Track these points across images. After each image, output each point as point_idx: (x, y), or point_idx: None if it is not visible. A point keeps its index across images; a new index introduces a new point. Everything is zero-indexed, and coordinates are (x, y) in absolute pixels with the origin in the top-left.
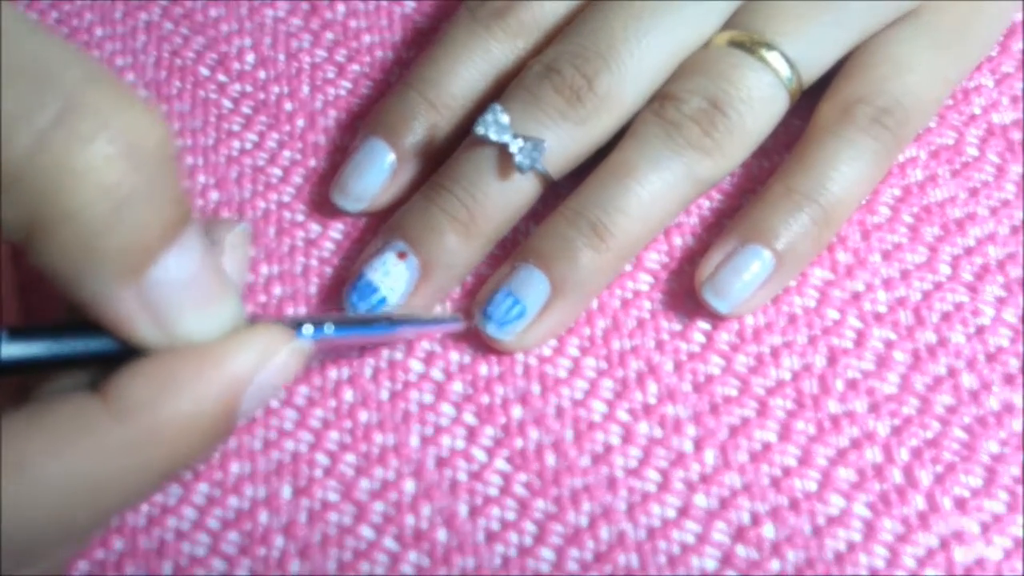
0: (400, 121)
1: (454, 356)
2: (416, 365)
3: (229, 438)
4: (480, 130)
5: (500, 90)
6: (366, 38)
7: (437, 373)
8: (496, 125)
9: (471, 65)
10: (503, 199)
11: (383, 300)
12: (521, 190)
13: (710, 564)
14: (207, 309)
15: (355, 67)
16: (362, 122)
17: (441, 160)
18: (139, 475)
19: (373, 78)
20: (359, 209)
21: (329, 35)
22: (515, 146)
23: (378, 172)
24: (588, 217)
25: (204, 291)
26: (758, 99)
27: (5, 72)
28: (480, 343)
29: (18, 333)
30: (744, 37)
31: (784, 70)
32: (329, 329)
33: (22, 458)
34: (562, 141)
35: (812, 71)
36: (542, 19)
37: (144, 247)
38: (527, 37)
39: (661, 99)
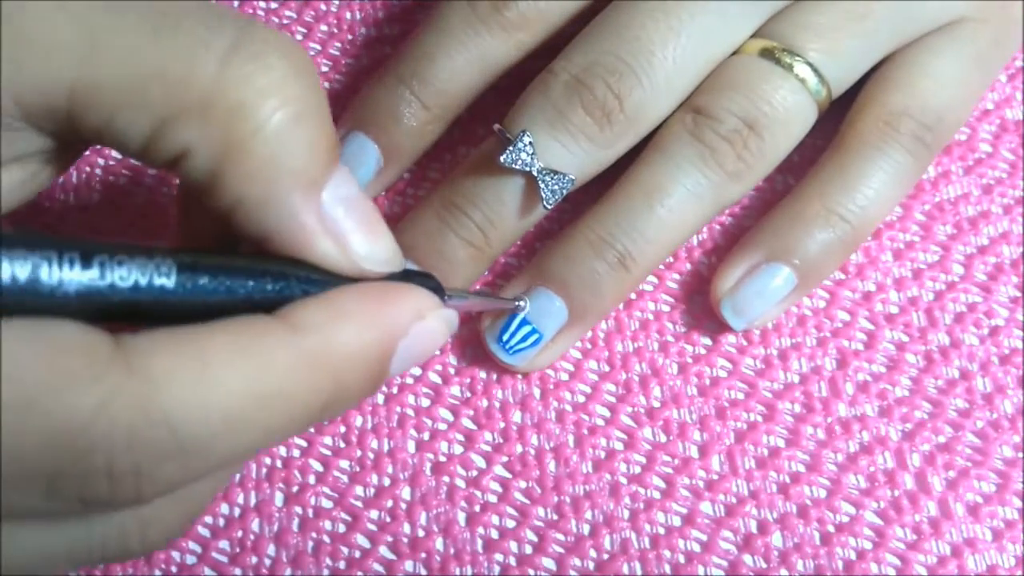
0: (388, 117)
1: (451, 359)
2: (412, 368)
3: (378, 390)
4: (507, 160)
5: (494, 83)
6: (361, 31)
7: (434, 376)
8: (523, 156)
9: (466, 61)
10: (519, 224)
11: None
12: (537, 214)
13: (716, 573)
14: (371, 234)
15: (349, 60)
16: (348, 111)
17: (429, 157)
18: (304, 398)
19: (368, 72)
20: None
21: (323, 28)
22: (543, 181)
23: (365, 170)
24: (614, 246)
25: (367, 216)
26: (792, 118)
27: (182, 11)
28: (478, 346)
29: (187, 267)
30: (775, 47)
31: (814, 83)
32: (467, 298)
33: (204, 357)
34: (585, 163)
35: (842, 83)
36: (546, 14)
37: (320, 160)
38: (528, 31)
39: (694, 113)
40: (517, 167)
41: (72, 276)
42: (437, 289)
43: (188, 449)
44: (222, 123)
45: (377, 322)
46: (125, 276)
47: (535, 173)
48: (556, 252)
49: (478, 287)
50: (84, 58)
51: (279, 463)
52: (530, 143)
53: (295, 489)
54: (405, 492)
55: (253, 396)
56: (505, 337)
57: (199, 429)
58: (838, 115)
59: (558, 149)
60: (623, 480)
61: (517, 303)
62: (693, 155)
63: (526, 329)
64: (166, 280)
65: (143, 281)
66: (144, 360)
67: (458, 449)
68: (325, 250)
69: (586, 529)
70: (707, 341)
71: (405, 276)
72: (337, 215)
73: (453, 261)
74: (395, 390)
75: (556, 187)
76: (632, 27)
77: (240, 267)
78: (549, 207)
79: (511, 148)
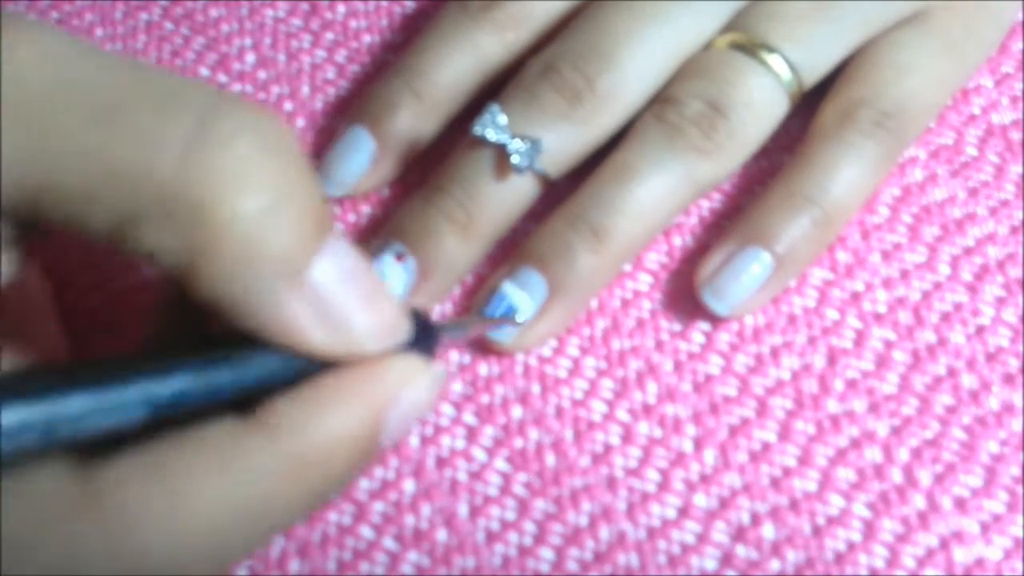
0: (383, 109)
1: (454, 356)
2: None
3: (373, 463)
4: (478, 130)
5: (487, 83)
6: (366, 38)
7: None
8: (494, 125)
9: (458, 57)
10: (501, 200)
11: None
12: (519, 191)
13: (710, 564)
14: (372, 306)
15: (355, 67)
16: (349, 108)
17: (425, 150)
18: (291, 500)
19: (373, 78)
20: (341, 194)
21: (329, 35)
22: (512, 146)
23: (360, 159)
24: (588, 219)
25: (365, 287)
26: (758, 102)
27: (136, 97)
28: (479, 343)
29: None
30: (745, 40)
31: (785, 73)
32: (463, 328)
33: (178, 482)
34: (561, 141)
35: (813, 74)
36: (534, 14)
37: (303, 243)
38: (517, 31)
39: (662, 101)
40: (487, 137)
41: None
42: (429, 331)
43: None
44: (186, 224)
45: (362, 403)
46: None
47: (505, 141)
48: (536, 233)
49: (461, 318)
50: (34, 161)
51: None
52: (500, 113)
53: None
54: (409, 485)
55: (234, 511)
56: (488, 312)
57: (182, 555)
58: None
59: (534, 128)
60: (620, 474)
61: (514, 317)
62: (660, 136)
63: (507, 304)
64: (136, 417)
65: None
66: (114, 494)
67: (460, 444)
68: (319, 339)
69: (585, 521)
70: (701, 339)
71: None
72: (331, 295)
73: (439, 240)
74: None
75: (525, 149)
76: (601, 20)
77: (215, 365)
78: (522, 171)
79: (481, 119)
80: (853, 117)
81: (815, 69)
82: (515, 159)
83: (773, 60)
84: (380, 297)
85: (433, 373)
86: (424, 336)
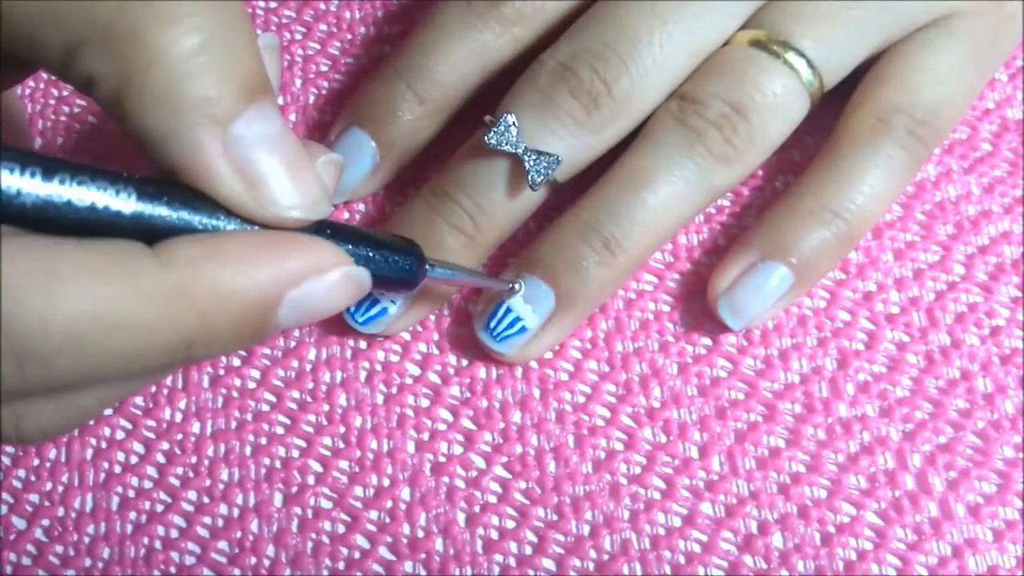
0: (385, 112)
1: (451, 359)
2: (412, 368)
3: (257, 344)
4: (493, 141)
5: (492, 81)
6: (360, 30)
7: (433, 376)
8: (508, 136)
9: (463, 56)
10: (509, 209)
11: (384, 311)
12: (528, 199)
13: (717, 574)
14: (291, 175)
15: (349, 60)
16: (345, 107)
17: (425, 152)
18: (161, 331)
19: (367, 71)
20: (340, 201)
21: (322, 27)
22: (529, 164)
23: (360, 165)
24: (600, 231)
25: (287, 155)
26: (780, 104)
27: None
28: (478, 346)
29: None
30: (766, 37)
31: (806, 73)
32: (454, 272)
33: (55, 270)
34: (575, 148)
35: (834, 74)
36: (544, 10)
37: (228, 95)
38: (525, 27)
39: (680, 100)
40: (503, 148)
41: (31, 188)
42: (419, 258)
43: (24, 359)
44: (120, 52)
45: (263, 269)
46: (83, 196)
47: (520, 153)
48: (544, 239)
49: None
50: None
51: (278, 463)
52: (515, 123)
53: (294, 490)
54: (405, 492)
55: (99, 321)
56: (492, 324)
57: (37, 343)
58: (840, 113)
59: (546, 135)
60: (623, 480)
61: (511, 285)
62: (679, 140)
63: (513, 315)
64: (123, 206)
65: (99, 204)
66: None
67: (458, 449)
68: (229, 192)
69: (586, 530)
70: (707, 341)
71: (388, 242)
72: (250, 155)
73: (443, 249)
74: (395, 390)
75: (542, 166)
76: (618, 17)
77: (200, 202)
78: (536, 187)
79: (496, 129)
80: (889, 124)
81: (837, 69)
82: (531, 175)
83: (795, 60)
84: (303, 169)
85: (352, 272)
86: (409, 263)
